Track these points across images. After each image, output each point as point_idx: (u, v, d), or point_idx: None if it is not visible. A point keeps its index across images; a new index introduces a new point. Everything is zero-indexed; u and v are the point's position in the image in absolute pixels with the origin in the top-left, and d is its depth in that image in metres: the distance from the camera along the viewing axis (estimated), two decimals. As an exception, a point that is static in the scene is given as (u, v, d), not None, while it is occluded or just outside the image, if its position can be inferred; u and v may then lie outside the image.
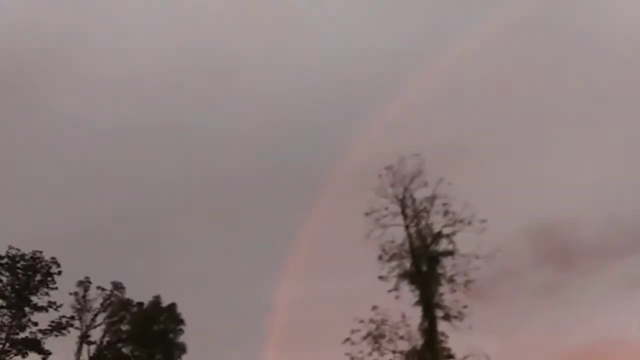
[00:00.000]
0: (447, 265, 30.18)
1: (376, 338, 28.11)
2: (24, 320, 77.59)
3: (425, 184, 30.90)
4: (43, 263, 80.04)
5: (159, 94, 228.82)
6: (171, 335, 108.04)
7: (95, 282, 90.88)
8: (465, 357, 27.48)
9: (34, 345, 77.67)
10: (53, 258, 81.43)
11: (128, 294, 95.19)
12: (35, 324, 78.41)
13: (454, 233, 30.11)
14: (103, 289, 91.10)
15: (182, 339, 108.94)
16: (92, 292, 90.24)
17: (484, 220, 29.14)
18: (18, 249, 78.54)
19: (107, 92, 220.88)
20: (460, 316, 28.73)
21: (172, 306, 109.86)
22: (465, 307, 28.82)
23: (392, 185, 31.48)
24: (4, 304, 76.13)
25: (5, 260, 77.07)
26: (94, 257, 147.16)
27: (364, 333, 28.23)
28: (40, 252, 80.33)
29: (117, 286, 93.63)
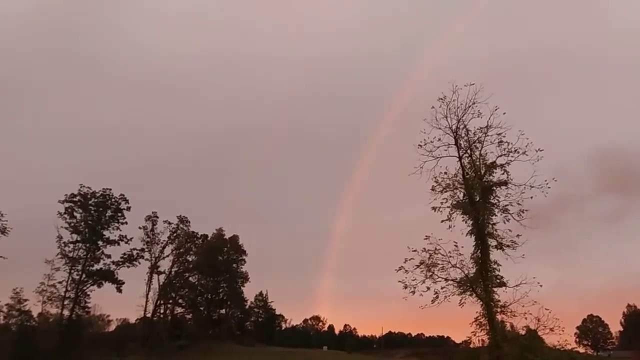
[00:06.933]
0: (501, 195, 30.14)
1: (429, 266, 28.72)
2: (98, 253, 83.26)
3: (479, 114, 30.47)
4: (113, 199, 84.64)
5: (222, 29, 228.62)
6: (234, 265, 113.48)
7: (162, 217, 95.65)
8: (517, 285, 27.81)
9: (108, 275, 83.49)
10: (122, 195, 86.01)
11: (193, 227, 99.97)
12: (109, 256, 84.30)
13: (508, 163, 29.83)
14: (170, 223, 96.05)
15: (244, 268, 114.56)
16: (160, 226, 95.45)
17: (540, 150, 28.65)
18: (89, 187, 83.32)
19: (167, 30, 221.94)
20: (513, 245, 28.94)
21: (235, 238, 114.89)
22: (518, 236, 28.95)
23: (446, 116, 31.24)
24: (79, 239, 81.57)
25: (78, 198, 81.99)
26: (160, 193, 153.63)
27: (417, 262, 28.88)
28: (110, 189, 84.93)
29: (183, 220, 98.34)
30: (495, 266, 29.28)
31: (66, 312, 77.51)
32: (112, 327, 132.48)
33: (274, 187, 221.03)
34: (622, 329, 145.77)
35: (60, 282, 77.33)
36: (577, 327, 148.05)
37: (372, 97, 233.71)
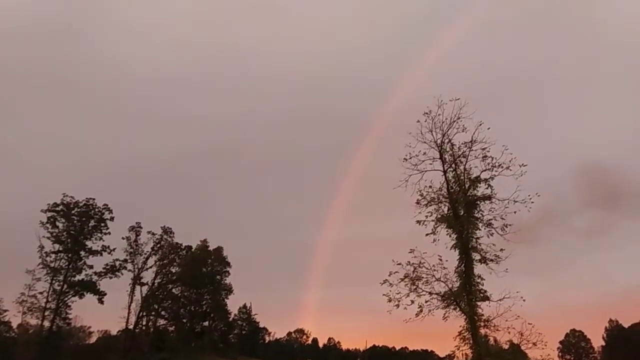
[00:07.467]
0: (485, 210, 30.41)
1: (413, 280, 28.84)
2: (80, 263, 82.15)
3: (464, 129, 30.76)
4: (96, 209, 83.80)
5: (207, 43, 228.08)
6: (218, 277, 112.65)
7: (145, 227, 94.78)
8: (501, 299, 27.97)
9: (90, 286, 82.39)
10: (105, 205, 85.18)
11: (177, 238, 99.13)
12: (91, 266, 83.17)
13: (492, 178, 30.11)
14: (153, 234, 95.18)
15: (228, 280, 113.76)
16: (143, 237, 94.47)
17: (523, 165, 28.99)
18: (72, 197, 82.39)
19: (153, 39, 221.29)
20: (496, 259, 29.14)
21: (219, 249, 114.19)
22: (501, 250, 29.17)
23: (431, 131, 31.50)
24: (61, 249, 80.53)
25: (61, 207, 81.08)
26: (144, 204, 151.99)
27: (401, 275, 28.99)
28: (93, 199, 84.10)
29: (167, 231, 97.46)
30: (479, 280, 29.49)
31: (46, 323, 76.32)
32: (93, 339, 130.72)
33: (259, 198, 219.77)
34: (604, 343, 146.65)
35: (41, 293, 76.16)
36: (560, 342, 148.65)
37: (362, 104, 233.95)
